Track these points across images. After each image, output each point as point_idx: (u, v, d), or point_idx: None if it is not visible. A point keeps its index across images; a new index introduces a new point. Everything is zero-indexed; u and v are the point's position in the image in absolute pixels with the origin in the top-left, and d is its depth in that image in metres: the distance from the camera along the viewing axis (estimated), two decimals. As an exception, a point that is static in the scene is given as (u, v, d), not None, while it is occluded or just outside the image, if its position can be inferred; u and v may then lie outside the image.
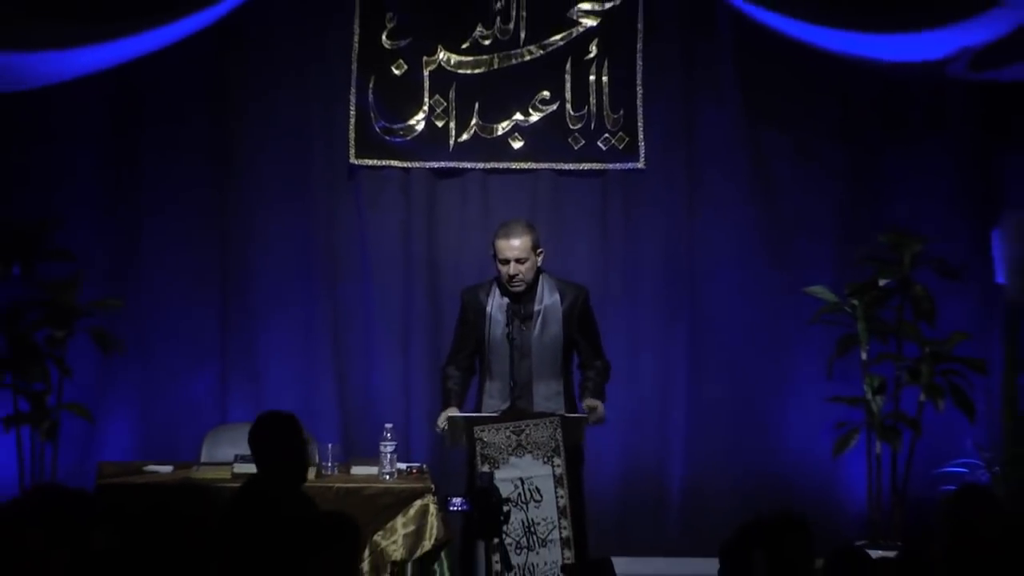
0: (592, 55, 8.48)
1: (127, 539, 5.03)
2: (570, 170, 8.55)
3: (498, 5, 8.43)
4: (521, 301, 7.21)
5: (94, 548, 4.85)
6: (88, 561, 4.75)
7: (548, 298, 7.24)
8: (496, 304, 7.23)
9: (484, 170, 8.54)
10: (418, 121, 8.48)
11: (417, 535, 7.09)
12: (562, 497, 6.92)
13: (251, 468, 6.45)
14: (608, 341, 7.54)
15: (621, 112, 8.49)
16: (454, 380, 7.31)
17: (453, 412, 7.11)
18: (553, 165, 8.53)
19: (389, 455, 7.25)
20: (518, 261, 7.14)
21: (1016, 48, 7.80)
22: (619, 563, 7.56)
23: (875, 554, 7.32)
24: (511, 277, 7.15)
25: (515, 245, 7.15)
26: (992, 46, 7.82)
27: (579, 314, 7.27)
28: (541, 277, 7.25)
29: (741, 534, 5.21)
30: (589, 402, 7.14)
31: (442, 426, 7.09)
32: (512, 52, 8.47)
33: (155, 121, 8.48)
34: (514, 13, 8.44)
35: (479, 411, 7.23)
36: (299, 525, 5.54)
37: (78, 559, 4.75)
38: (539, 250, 7.23)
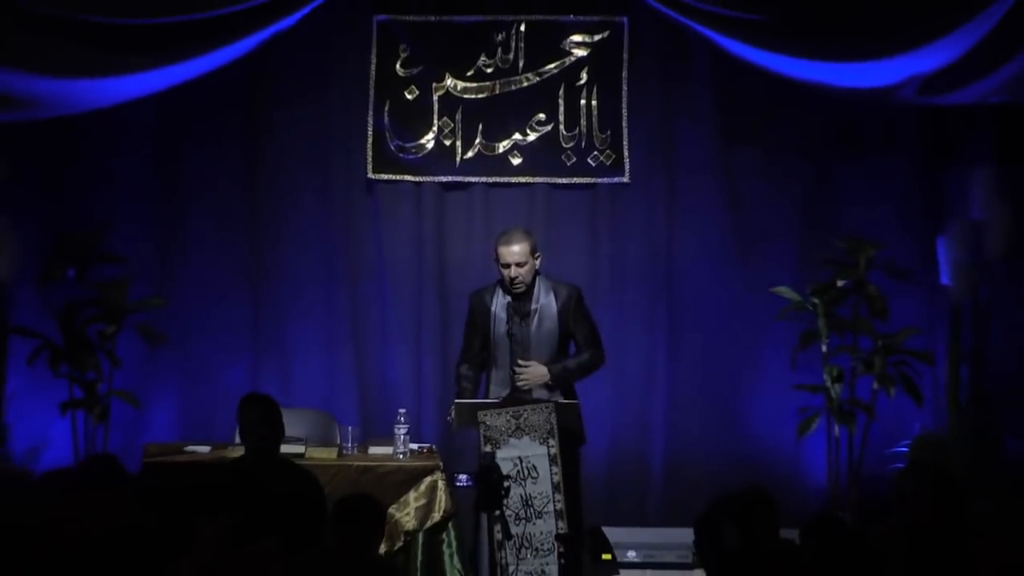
0: (583, 81, 8.49)
1: (165, 512, 5.06)
2: (563, 184, 8.55)
3: (499, 37, 8.45)
4: (520, 300, 7.25)
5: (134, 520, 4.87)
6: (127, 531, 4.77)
7: (544, 298, 7.27)
8: (499, 303, 7.27)
9: (487, 184, 8.55)
10: (428, 140, 8.50)
11: (427, 508, 7.11)
12: (556, 474, 6.93)
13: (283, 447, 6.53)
14: (597, 335, 7.56)
15: (608, 132, 8.50)
16: (467, 379, 7.35)
17: (460, 400, 7.16)
18: (548, 179, 8.53)
19: (402, 436, 7.29)
20: (518, 265, 7.18)
21: (956, 77, 7.82)
22: (607, 532, 7.62)
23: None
24: (512, 280, 7.18)
25: (515, 251, 7.18)
26: (935, 75, 7.83)
27: (572, 311, 7.30)
28: (538, 279, 7.28)
29: (713, 507, 5.24)
30: (529, 362, 7.17)
31: (452, 414, 7.14)
32: (512, 79, 8.48)
33: (195, 140, 8.51)
34: (513, 44, 8.46)
35: (487, 397, 7.26)
36: (302, 500, 5.58)
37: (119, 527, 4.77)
38: (536, 255, 7.27)
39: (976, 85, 7.88)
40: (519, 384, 7.15)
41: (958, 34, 7.69)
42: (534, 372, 7.17)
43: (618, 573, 7.34)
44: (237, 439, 7.39)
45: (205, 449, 7.36)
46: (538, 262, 7.28)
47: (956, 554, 4.92)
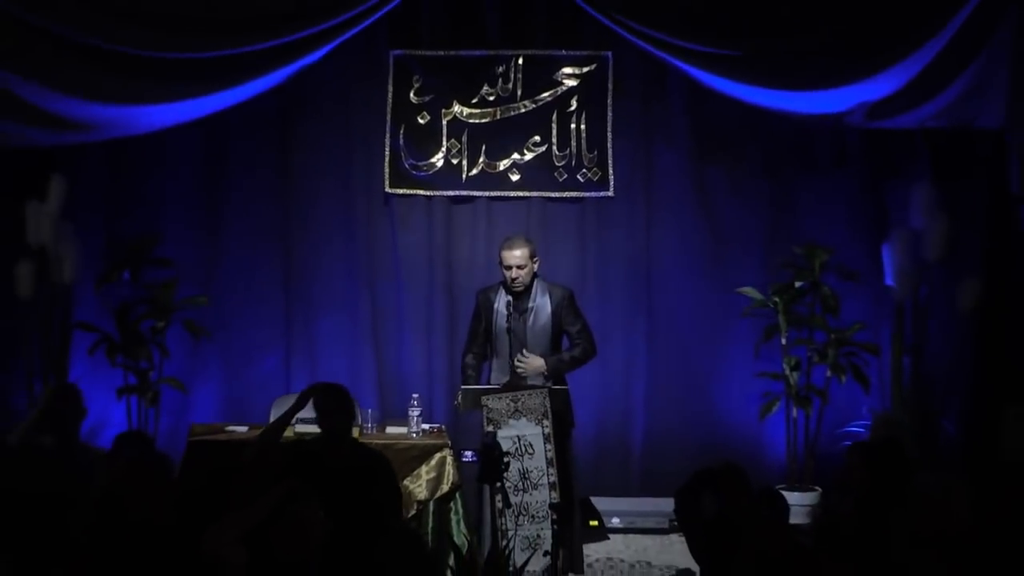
0: (573, 108, 8.45)
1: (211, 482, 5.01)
2: (556, 197, 8.52)
3: (500, 69, 8.41)
4: (520, 299, 7.24)
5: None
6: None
7: (540, 298, 7.26)
8: (502, 301, 7.26)
9: (489, 197, 8.51)
10: (438, 159, 8.45)
11: (437, 480, 7.09)
12: (549, 451, 6.95)
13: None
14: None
15: (595, 152, 8.46)
16: (472, 368, 7.37)
17: (466, 387, 7.14)
18: (542, 193, 8.50)
19: (415, 418, 7.29)
20: (518, 267, 7.18)
21: (898, 105, 7.84)
22: (595, 501, 7.56)
23: (793, 495, 7.35)
24: (512, 280, 7.19)
25: (516, 255, 7.19)
26: (881, 102, 7.87)
27: (565, 310, 7.27)
28: (536, 281, 7.27)
29: (693, 480, 5.19)
30: (527, 354, 7.14)
31: (458, 399, 7.11)
32: (511, 106, 8.44)
33: (235, 159, 8.49)
34: (512, 76, 8.42)
35: (488, 383, 7.25)
36: (369, 475, 5.53)
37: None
38: (535, 259, 7.26)
39: (915, 112, 7.92)
40: (519, 372, 7.13)
41: (900, 67, 7.75)
42: (532, 363, 7.15)
43: (608, 538, 7.31)
44: (270, 419, 7.37)
45: (243, 428, 7.34)
46: (536, 266, 7.27)
47: (898, 522, 4.87)
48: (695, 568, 5.39)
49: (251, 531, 4.53)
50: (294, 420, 6.06)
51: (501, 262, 7.24)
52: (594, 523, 7.48)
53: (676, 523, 6.47)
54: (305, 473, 5.45)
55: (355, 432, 7.14)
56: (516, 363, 7.14)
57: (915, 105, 7.82)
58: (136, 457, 5.23)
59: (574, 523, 7.10)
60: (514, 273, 7.19)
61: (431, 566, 4.84)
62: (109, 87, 7.59)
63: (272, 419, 7.42)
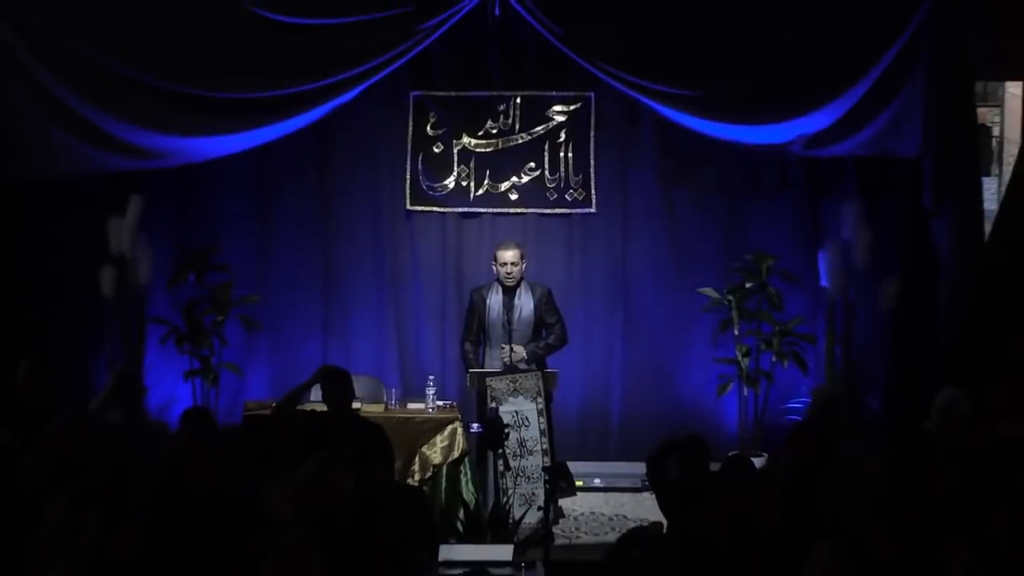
0: (562, 139, 8.47)
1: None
2: (547, 213, 8.52)
3: (501, 107, 8.42)
4: (509, 296, 7.32)
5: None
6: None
7: (524, 295, 7.37)
8: (494, 298, 7.35)
9: (493, 214, 8.52)
10: (450, 182, 8.48)
11: (449, 447, 7.14)
12: (543, 423, 6.99)
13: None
14: (571, 323, 7.58)
15: (580, 176, 8.48)
16: (471, 352, 7.46)
17: (473, 370, 7.20)
18: (537, 211, 8.51)
19: (431, 395, 7.34)
20: (512, 264, 7.33)
21: (830, 137, 7.87)
22: (578, 465, 7.59)
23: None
24: (507, 275, 7.31)
25: (509, 254, 7.36)
26: (817, 134, 7.88)
27: (544, 305, 7.35)
28: (522, 281, 7.33)
29: (661, 448, 5.23)
30: (505, 347, 7.22)
31: (468, 381, 7.17)
32: (511, 137, 8.47)
33: (282, 182, 8.49)
34: (511, 112, 8.44)
35: (483, 366, 7.36)
36: (371, 444, 5.57)
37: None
38: (524, 260, 7.37)
39: (845, 143, 7.92)
40: (503, 359, 7.18)
41: (833, 106, 7.78)
42: (516, 350, 7.24)
43: (575, 495, 7.32)
44: (311, 398, 7.42)
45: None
46: (524, 266, 7.35)
47: (825, 483, 4.92)
48: (663, 521, 5.43)
49: (296, 491, 4.58)
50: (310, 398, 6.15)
51: (496, 260, 7.34)
52: (579, 483, 7.50)
53: (647, 484, 6.50)
54: (320, 442, 5.50)
55: (381, 408, 7.22)
56: (504, 355, 7.20)
57: (845, 137, 7.84)
58: (198, 431, 5.26)
59: (557, 482, 7.13)
60: (508, 269, 7.30)
61: (428, 515, 4.95)
62: (177, 123, 7.65)
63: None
